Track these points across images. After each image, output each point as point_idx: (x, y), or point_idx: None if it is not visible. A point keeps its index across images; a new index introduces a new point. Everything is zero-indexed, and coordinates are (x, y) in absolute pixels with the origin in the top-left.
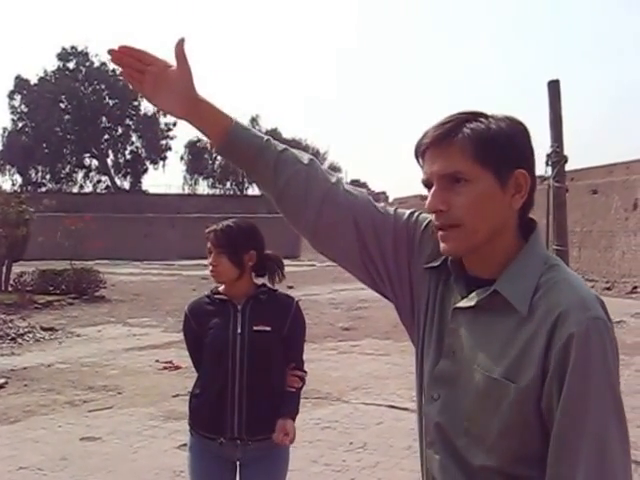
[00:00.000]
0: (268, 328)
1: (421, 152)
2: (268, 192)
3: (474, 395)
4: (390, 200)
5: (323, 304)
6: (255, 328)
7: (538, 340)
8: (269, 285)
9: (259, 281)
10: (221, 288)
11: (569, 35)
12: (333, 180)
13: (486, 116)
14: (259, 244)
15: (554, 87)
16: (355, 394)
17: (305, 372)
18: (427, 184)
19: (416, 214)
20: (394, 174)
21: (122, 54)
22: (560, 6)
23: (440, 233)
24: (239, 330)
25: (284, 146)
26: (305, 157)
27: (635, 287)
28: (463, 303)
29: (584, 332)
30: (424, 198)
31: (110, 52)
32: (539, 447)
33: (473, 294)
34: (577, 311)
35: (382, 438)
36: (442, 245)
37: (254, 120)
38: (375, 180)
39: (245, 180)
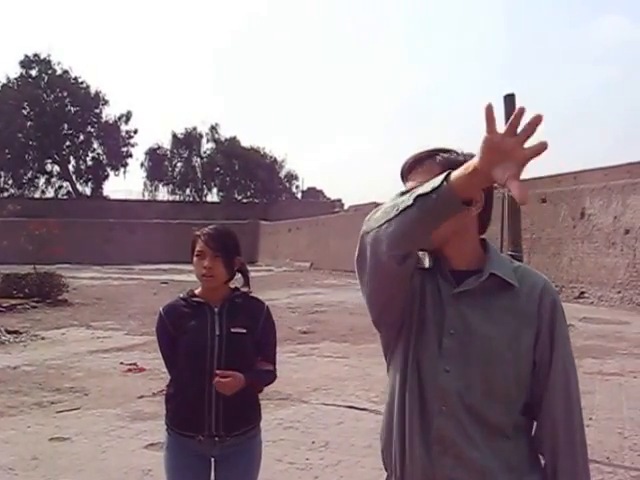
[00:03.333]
0: (244, 330)
1: (405, 173)
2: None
3: (490, 359)
4: (346, 207)
5: (281, 308)
6: (232, 330)
7: (530, 308)
8: (241, 289)
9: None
10: (197, 291)
11: (519, 48)
12: None
13: (456, 151)
14: (240, 250)
15: (510, 101)
16: (315, 395)
17: (274, 371)
18: None
19: None
20: (350, 182)
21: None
22: (512, 22)
23: None
24: (217, 332)
25: None
26: None
27: (582, 292)
28: (462, 288)
29: (558, 299)
30: (379, 205)
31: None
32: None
33: (467, 281)
34: (550, 286)
35: (343, 437)
36: None
37: (213, 129)
38: (331, 188)
39: (204, 186)
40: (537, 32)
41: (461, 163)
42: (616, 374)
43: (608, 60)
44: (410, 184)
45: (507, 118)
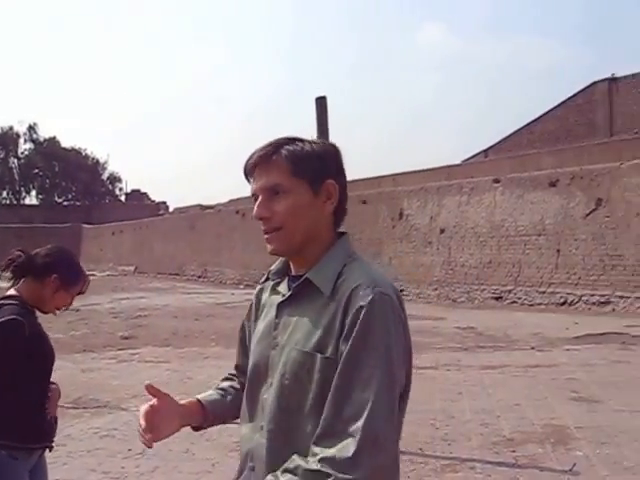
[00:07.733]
0: None
1: (249, 171)
2: None
3: (290, 370)
4: (170, 210)
5: (102, 313)
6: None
7: (338, 315)
8: None
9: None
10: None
11: (333, 54)
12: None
13: (302, 140)
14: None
15: (321, 103)
16: (134, 402)
17: None
18: (255, 197)
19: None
20: (175, 185)
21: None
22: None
23: (266, 236)
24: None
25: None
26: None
27: (401, 290)
28: (286, 296)
29: (370, 302)
30: (204, 208)
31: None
32: None
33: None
34: (366, 287)
35: (161, 443)
36: (268, 247)
37: (32, 128)
38: (156, 190)
39: (22, 189)
40: (352, 36)
41: (309, 154)
42: (430, 367)
43: (436, 68)
44: (257, 184)
45: (318, 117)
